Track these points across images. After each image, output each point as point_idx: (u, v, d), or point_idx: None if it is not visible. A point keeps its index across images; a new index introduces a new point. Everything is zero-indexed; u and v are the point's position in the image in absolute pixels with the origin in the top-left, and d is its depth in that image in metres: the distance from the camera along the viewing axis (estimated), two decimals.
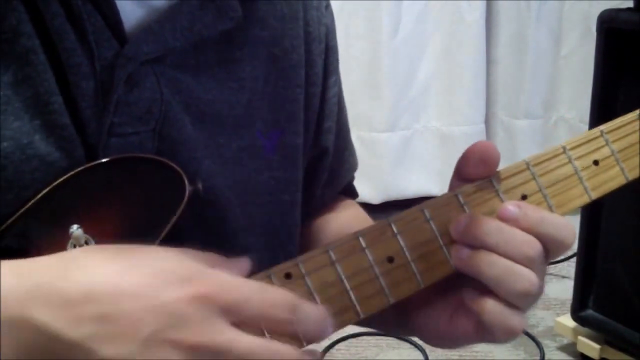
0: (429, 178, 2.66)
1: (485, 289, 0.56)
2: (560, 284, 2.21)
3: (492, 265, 0.55)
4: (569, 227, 0.57)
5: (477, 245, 0.56)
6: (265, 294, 0.49)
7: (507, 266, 0.55)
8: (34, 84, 0.55)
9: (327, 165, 0.76)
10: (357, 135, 2.59)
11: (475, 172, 0.58)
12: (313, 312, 0.51)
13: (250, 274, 0.54)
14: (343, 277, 0.55)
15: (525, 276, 0.55)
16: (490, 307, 0.55)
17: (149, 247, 0.51)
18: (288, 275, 0.54)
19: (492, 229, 0.55)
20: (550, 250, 0.57)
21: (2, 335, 0.45)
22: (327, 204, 0.79)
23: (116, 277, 0.46)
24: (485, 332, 0.57)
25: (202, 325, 0.46)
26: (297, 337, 0.50)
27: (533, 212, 0.57)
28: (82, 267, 0.47)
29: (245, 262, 0.53)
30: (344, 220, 0.78)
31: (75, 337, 0.45)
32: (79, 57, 0.56)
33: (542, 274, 0.56)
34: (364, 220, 0.78)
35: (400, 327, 0.65)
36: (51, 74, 0.55)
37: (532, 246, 0.55)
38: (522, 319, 0.57)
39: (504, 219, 0.56)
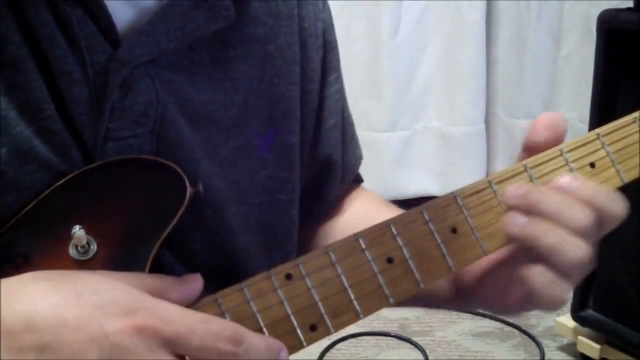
0: (429, 178, 2.66)
1: (536, 258, 0.57)
2: None
3: (549, 234, 0.56)
4: (621, 200, 0.59)
5: (534, 213, 0.57)
6: (210, 325, 0.48)
7: (562, 236, 0.56)
8: (25, 91, 0.54)
9: (337, 175, 0.76)
10: (357, 135, 2.58)
11: (544, 140, 0.61)
12: (260, 343, 0.50)
13: (250, 275, 0.54)
14: (343, 277, 0.55)
15: (579, 246, 0.56)
16: (540, 276, 0.56)
17: (96, 275, 0.50)
18: (289, 276, 0.54)
19: (551, 198, 0.57)
20: (603, 222, 0.58)
21: None
22: (340, 199, 0.80)
23: (58, 308, 0.46)
24: (533, 301, 0.58)
25: (144, 357, 0.46)
26: None
27: (588, 185, 0.59)
28: (24, 297, 0.47)
29: (197, 282, 0.53)
30: (360, 213, 0.79)
31: None
32: (70, 64, 0.56)
33: (594, 246, 0.58)
34: (376, 207, 0.79)
35: (455, 301, 0.68)
36: (42, 81, 0.55)
37: (587, 217, 0.57)
38: (569, 289, 0.58)
39: (560, 189, 0.58)
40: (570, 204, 0.57)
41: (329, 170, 0.75)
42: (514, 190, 0.58)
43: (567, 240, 0.56)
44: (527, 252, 0.58)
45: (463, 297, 0.66)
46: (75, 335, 0.45)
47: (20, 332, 0.45)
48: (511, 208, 0.58)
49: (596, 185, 0.59)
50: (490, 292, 0.62)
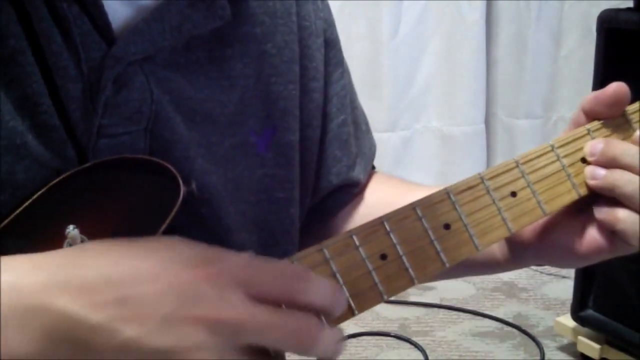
0: (429, 178, 2.66)
1: (615, 203, 0.61)
2: (560, 284, 2.21)
3: (629, 183, 0.61)
4: None
5: (613, 165, 0.62)
6: (279, 266, 0.51)
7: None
8: (23, 85, 0.54)
9: (356, 190, 0.78)
10: None
11: (608, 110, 0.64)
12: (324, 282, 0.51)
13: None
14: (337, 274, 0.55)
15: None
16: (625, 216, 0.61)
17: (164, 236, 0.52)
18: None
19: (629, 150, 0.62)
20: None
21: (22, 325, 0.45)
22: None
23: (134, 262, 0.47)
24: (620, 242, 0.62)
25: (220, 301, 0.47)
26: (314, 308, 0.50)
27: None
28: (98, 255, 0.48)
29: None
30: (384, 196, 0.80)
31: (97, 320, 0.45)
32: (65, 60, 0.56)
33: None
34: (395, 190, 0.80)
35: (512, 262, 0.70)
36: (40, 75, 0.55)
37: None
38: None
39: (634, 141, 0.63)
40: None
41: (349, 187, 0.77)
42: (592, 147, 0.63)
43: None
44: (608, 201, 0.62)
45: (521, 255, 0.69)
46: (152, 286, 0.46)
47: (99, 287, 0.46)
48: (592, 162, 0.63)
49: None
50: (558, 243, 0.65)
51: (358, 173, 0.77)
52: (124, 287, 0.46)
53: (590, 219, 0.63)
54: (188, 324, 0.46)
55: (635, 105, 0.66)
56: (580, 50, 2.52)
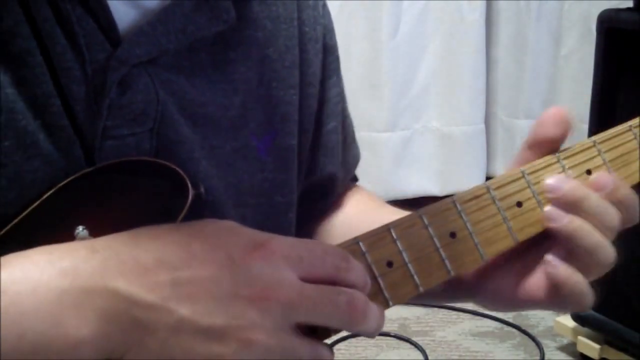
0: (429, 178, 2.66)
1: (566, 257, 0.58)
2: None
3: (590, 235, 0.57)
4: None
5: (573, 211, 0.58)
6: (324, 246, 0.53)
7: (600, 238, 0.58)
8: (32, 85, 0.55)
9: (337, 189, 0.78)
10: (357, 135, 2.57)
11: (552, 137, 0.62)
12: (359, 264, 0.53)
13: None
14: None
15: (611, 249, 0.59)
16: (572, 276, 0.58)
17: (208, 220, 0.53)
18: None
19: (595, 199, 0.58)
20: (624, 223, 0.60)
21: (78, 306, 0.46)
22: (338, 196, 0.81)
23: (185, 243, 0.49)
24: (558, 301, 0.59)
25: (271, 281, 0.48)
26: (352, 286, 0.52)
27: (624, 186, 0.60)
28: (151, 237, 0.50)
29: None
30: (360, 209, 0.81)
31: (152, 299, 0.47)
32: (70, 61, 0.56)
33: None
34: (373, 205, 0.81)
35: (456, 296, 0.68)
36: (48, 76, 0.55)
37: (617, 219, 0.59)
38: (590, 290, 0.59)
39: (598, 188, 0.59)
40: (608, 208, 0.59)
41: (331, 184, 0.77)
42: (556, 185, 0.59)
43: (604, 242, 0.58)
44: (559, 250, 0.59)
45: (455, 289, 0.66)
46: (205, 266, 0.48)
47: (152, 268, 0.47)
48: (552, 201, 0.59)
49: (628, 187, 0.61)
50: (493, 286, 0.62)
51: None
52: (178, 268, 0.48)
53: (533, 266, 0.60)
54: (241, 303, 0.47)
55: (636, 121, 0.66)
56: (580, 50, 2.51)
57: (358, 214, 0.78)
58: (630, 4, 1.57)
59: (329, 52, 0.74)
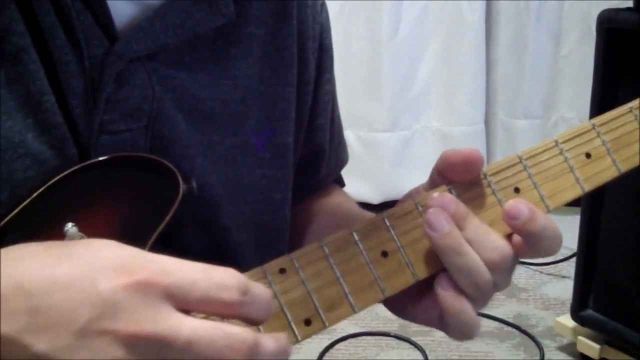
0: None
1: (455, 284, 0.56)
2: (560, 284, 2.21)
3: (462, 255, 0.55)
4: (560, 237, 0.58)
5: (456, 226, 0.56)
6: (212, 274, 0.45)
7: (474, 261, 0.55)
8: (26, 82, 0.55)
9: (323, 163, 0.77)
10: (357, 135, 2.59)
11: (458, 177, 0.60)
12: (264, 292, 0.47)
13: (243, 271, 0.54)
14: (337, 270, 0.55)
15: (485, 274, 0.55)
16: (458, 303, 0.55)
17: (87, 238, 0.49)
18: (282, 270, 0.54)
19: (474, 226, 0.56)
20: (534, 254, 0.57)
21: None
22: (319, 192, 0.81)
23: (48, 268, 0.44)
24: (444, 326, 0.57)
25: (142, 313, 0.43)
26: (249, 321, 0.47)
27: (540, 217, 0.57)
28: (14, 261, 0.45)
29: None
30: (337, 201, 0.80)
31: (8, 331, 0.42)
32: (68, 55, 0.56)
33: (509, 274, 0.57)
34: (352, 203, 0.80)
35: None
36: (43, 72, 0.55)
37: (504, 253, 0.56)
38: (477, 320, 0.56)
39: (510, 217, 0.57)
40: (493, 239, 0.56)
41: (318, 155, 0.77)
42: (440, 203, 0.57)
43: (476, 266, 0.55)
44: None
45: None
46: (65, 295, 0.43)
47: (11, 295, 0.43)
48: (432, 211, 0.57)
49: (546, 220, 0.57)
50: (398, 298, 0.59)
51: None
52: (36, 295, 0.43)
53: (431, 287, 0.58)
54: (104, 339, 0.42)
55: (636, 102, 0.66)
56: (580, 50, 2.52)
57: (338, 207, 0.78)
58: (630, 4, 1.57)
59: (324, 51, 0.74)
